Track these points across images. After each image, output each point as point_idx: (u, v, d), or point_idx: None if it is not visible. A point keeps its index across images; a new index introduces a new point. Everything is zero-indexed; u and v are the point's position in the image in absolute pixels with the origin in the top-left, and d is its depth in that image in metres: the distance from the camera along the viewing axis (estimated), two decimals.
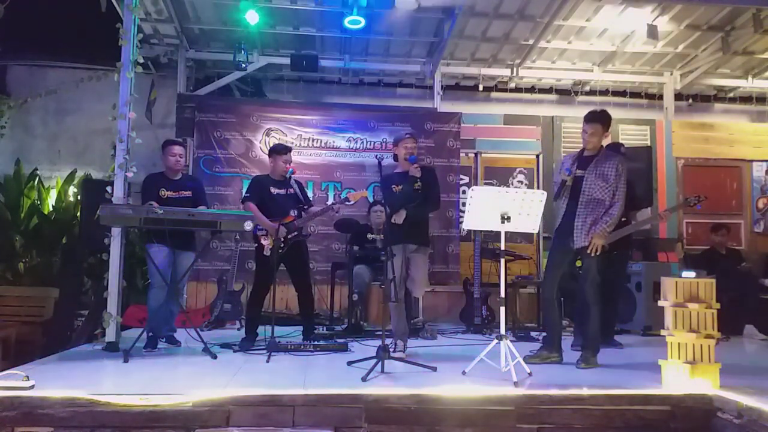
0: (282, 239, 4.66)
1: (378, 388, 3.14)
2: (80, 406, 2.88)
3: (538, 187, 7.56)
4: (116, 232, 4.52)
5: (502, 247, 3.86)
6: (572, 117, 7.82)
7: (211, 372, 3.76)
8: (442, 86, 7.87)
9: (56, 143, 7.84)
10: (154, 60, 7.64)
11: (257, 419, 2.93)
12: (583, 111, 4.40)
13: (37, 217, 7.07)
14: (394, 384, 3.31)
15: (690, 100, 8.70)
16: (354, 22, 6.43)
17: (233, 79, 7.66)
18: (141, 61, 4.83)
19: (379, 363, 3.62)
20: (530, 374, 3.56)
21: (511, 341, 3.74)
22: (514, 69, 7.91)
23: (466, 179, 7.70)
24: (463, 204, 6.49)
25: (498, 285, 3.88)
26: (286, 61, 7.36)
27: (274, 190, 4.93)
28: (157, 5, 6.64)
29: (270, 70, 7.90)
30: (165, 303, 4.57)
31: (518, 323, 6.10)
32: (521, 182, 7.80)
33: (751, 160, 8.15)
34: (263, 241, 4.77)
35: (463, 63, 7.94)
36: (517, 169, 7.85)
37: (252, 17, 6.31)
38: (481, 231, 6.04)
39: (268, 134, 7.29)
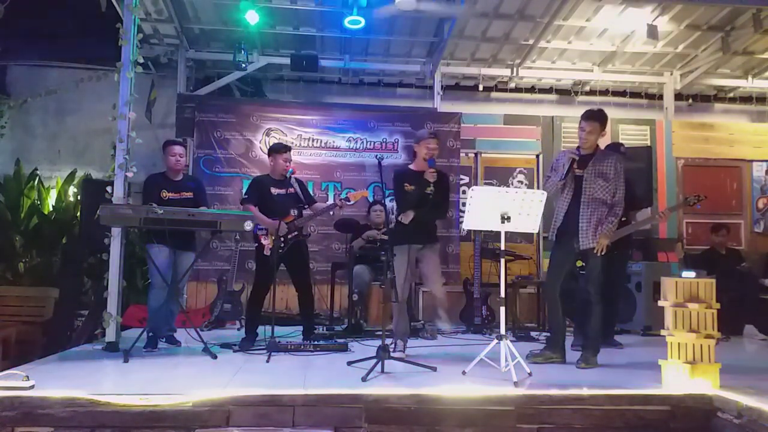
0: (282, 238, 4.65)
1: (378, 388, 3.14)
2: (80, 406, 2.87)
3: (538, 187, 7.56)
4: (116, 232, 4.52)
5: (502, 247, 3.85)
6: (572, 117, 7.78)
7: (211, 372, 3.76)
8: (442, 86, 7.87)
9: (56, 143, 7.84)
10: (154, 60, 7.64)
11: (257, 419, 2.92)
12: (583, 111, 4.40)
13: (37, 217, 7.07)
14: (394, 384, 3.31)
15: (690, 100, 8.71)
16: (354, 22, 6.43)
17: (233, 79, 7.67)
18: (141, 61, 4.82)
19: (379, 363, 3.62)
20: (530, 374, 3.56)
21: (511, 341, 3.74)
22: (514, 69, 7.91)
23: (466, 179, 7.70)
24: (463, 204, 6.50)
25: (498, 285, 3.88)
26: (286, 61, 7.37)
27: (274, 191, 4.91)
28: (157, 5, 6.64)
29: (270, 70, 7.91)
30: (165, 303, 4.57)
31: (518, 323, 6.10)
32: (521, 182, 7.80)
33: (751, 160, 8.16)
34: (263, 241, 4.76)
35: (463, 63, 7.95)
36: (517, 169, 7.85)
37: (252, 17, 6.31)
38: (481, 231, 6.04)
39: (268, 134, 7.29)
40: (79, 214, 6.27)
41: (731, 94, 8.72)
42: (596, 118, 4.15)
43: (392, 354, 3.93)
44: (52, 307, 5.83)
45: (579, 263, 4.28)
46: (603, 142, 4.47)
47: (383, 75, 8.27)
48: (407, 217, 4.33)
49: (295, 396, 3.00)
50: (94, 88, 7.33)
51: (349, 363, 3.92)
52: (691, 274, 3.50)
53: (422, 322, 5.92)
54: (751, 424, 2.86)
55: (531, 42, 7.34)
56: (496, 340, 3.66)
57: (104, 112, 5.25)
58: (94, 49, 7.20)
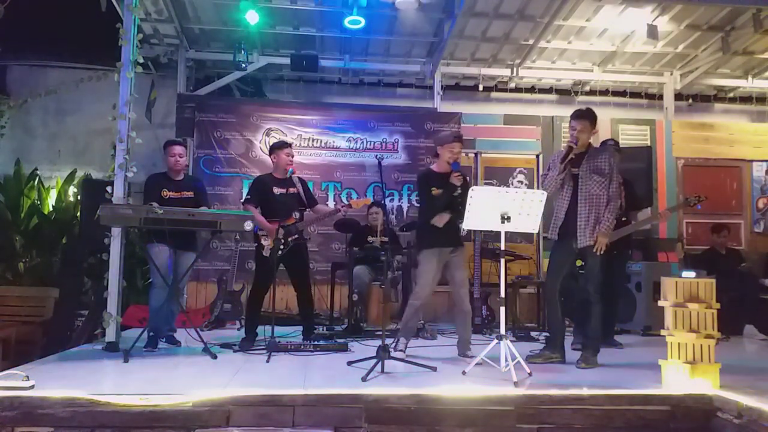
0: (282, 240, 4.65)
1: (378, 388, 3.14)
2: (80, 406, 2.87)
3: (538, 187, 7.55)
4: (116, 232, 4.52)
5: (502, 247, 3.85)
6: None
7: (211, 372, 3.76)
8: (442, 86, 7.87)
9: (56, 143, 7.84)
10: (154, 60, 7.65)
11: (257, 419, 2.92)
12: None
13: (37, 217, 7.07)
14: (394, 384, 3.31)
15: (690, 100, 8.71)
16: (354, 22, 6.43)
17: (233, 79, 7.67)
18: (141, 61, 4.82)
19: (379, 363, 3.62)
20: (530, 374, 3.56)
21: (511, 341, 3.74)
22: (514, 69, 7.92)
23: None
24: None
25: (498, 285, 3.88)
26: (286, 61, 7.37)
27: (276, 190, 4.88)
28: (157, 5, 6.64)
29: (270, 70, 7.91)
30: (166, 303, 4.57)
31: (518, 323, 6.10)
32: (521, 182, 7.80)
33: (751, 160, 8.16)
34: (263, 242, 4.75)
35: (463, 63, 7.95)
36: (517, 169, 7.85)
37: (252, 17, 6.32)
38: (481, 231, 6.04)
39: (268, 134, 7.29)
40: (79, 214, 6.27)
41: (731, 94, 8.73)
42: (585, 116, 4.18)
43: (393, 353, 3.93)
44: (52, 307, 5.83)
45: (579, 263, 4.28)
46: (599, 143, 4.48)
47: (383, 75, 8.27)
48: (442, 220, 4.25)
49: (295, 396, 3.00)
50: (94, 88, 7.33)
51: (349, 363, 3.91)
52: (691, 274, 3.50)
53: (422, 322, 5.91)
54: (751, 424, 2.86)
55: (531, 42, 7.34)
56: (496, 340, 3.66)
57: (104, 112, 5.26)
58: (94, 49, 7.20)
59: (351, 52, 7.69)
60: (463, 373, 3.61)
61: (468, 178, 4.63)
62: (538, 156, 7.74)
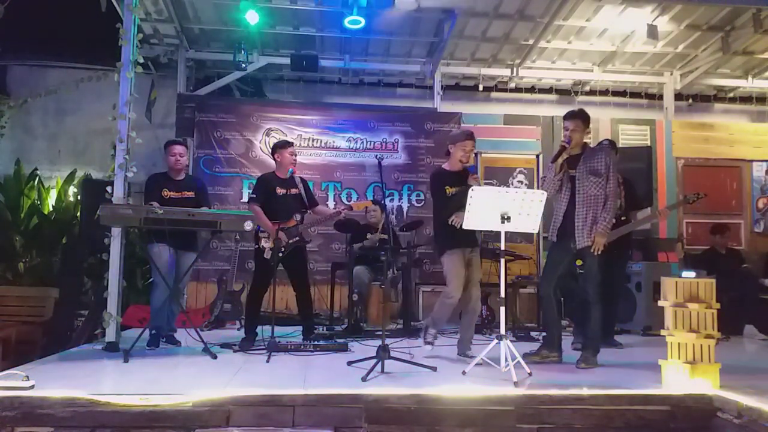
0: (282, 243, 4.65)
1: (378, 388, 3.14)
2: (80, 406, 2.87)
3: (538, 187, 7.55)
4: (116, 232, 4.52)
5: (502, 247, 3.85)
6: None
7: (211, 372, 3.76)
8: (442, 86, 7.88)
9: (56, 143, 7.84)
10: (154, 60, 7.65)
11: (257, 419, 2.92)
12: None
13: (37, 217, 7.07)
14: (394, 384, 3.31)
15: (690, 100, 8.71)
16: (354, 22, 6.43)
17: (233, 79, 7.67)
18: (141, 61, 4.82)
19: (379, 363, 3.62)
20: (530, 374, 3.56)
21: (511, 341, 3.74)
22: (514, 69, 7.92)
23: None
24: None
25: (498, 285, 3.88)
26: (286, 61, 7.37)
27: (279, 191, 4.89)
28: (157, 5, 6.64)
29: (270, 70, 7.91)
30: (167, 302, 4.57)
31: (518, 323, 6.10)
32: (521, 182, 7.80)
33: (751, 160, 8.16)
34: (264, 243, 4.76)
35: (463, 63, 7.95)
36: (517, 169, 7.85)
37: (252, 17, 6.32)
38: (481, 231, 6.03)
39: (268, 134, 7.30)
40: (79, 214, 6.27)
41: (731, 94, 8.73)
42: (577, 116, 4.20)
43: (423, 343, 4.23)
44: (52, 307, 5.83)
45: (579, 262, 4.28)
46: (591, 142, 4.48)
47: (383, 75, 8.27)
48: (460, 219, 4.15)
49: (295, 396, 3.00)
50: (94, 88, 7.34)
51: (349, 363, 3.91)
52: (691, 274, 3.50)
53: (423, 322, 5.91)
54: (751, 424, 2.86)
55: (531, 42, 7.34)
56: (496, 340, 3.66)
57: (104, 112, 5.26)
58: (94, 49, 7.20)
59: (351, 52, 7.69)
60: (463, 373, 3.61)
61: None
62: (538, 156, 7.74)
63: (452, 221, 4.26)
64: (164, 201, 4.62)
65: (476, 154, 7.73)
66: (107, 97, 5.34)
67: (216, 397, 2.95)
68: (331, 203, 7.18)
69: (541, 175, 7.56)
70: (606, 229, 4.05)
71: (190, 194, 4.84)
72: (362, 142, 7.45)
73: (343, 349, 4.56)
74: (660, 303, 3.52)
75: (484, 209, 3.75)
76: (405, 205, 7.47)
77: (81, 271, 5.80)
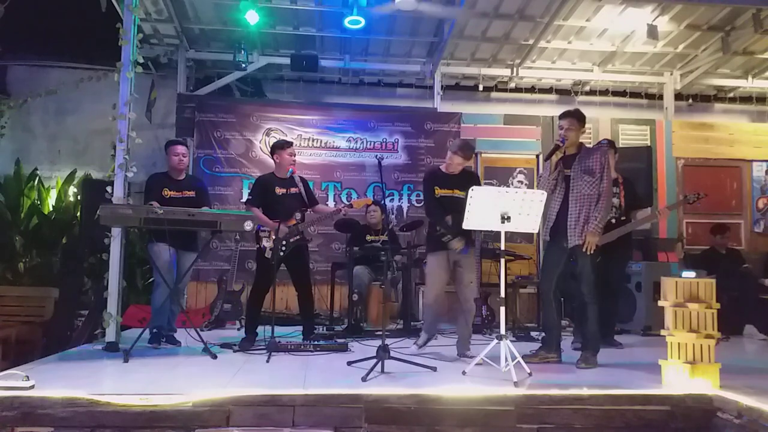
0: (283, 241, 4.65)
1: (378, 388, 3.14)
2: (80, 406, 2.87)
3: (538, 187, 7.56)
4: (116, 232, 4.52)
5: (502, 247, 3.85)
6: None
7: (211, 372, 3.76)
8: (442, 86, 7.88)
9: (56, 143, 7.84)
10: (154, 60, 7.65)
11: (257, 419, 2.92)
12: (584, 111, 4.42)
13: (37, 217, 7.07)
14: (394, 384, 3.31)
15: (690, 100, 8.71)
16: (354, 22, 6.43)
17: (233, 79, 7.68)
18: (141, 61, 4.82)
19: (379, 363, 3.62)
20: (530, 374, 3.55)
21: (511, 341, 3.74)
22: (514, 69, 7.92)
23: None
24: None
25: (498, 285, 3.88)
26: (286, 61, 7.37)
27: (279, 190, 4.87)
28: (157, 5, 6.65)
29: (270, 70, 7.91)
30: (167, 302, 4.57)
31: (518, 323, 6.10)
32: (521, 182, 7.80)
33: (751, 160, 8.16)
34: (265, 243, 4.76)
35: (463, 63, 7.95)
36: (517, 169, 7.85)
37: (252, 17, 6.32)
38: (481, 231, 6.04)
39: (268, 134, 7.30)
40: (79, 214, 6.27)
41: (731, 94, 8.73)
42: (572, 115, 4.22)
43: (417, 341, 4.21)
44: (52, 307, 5.83)
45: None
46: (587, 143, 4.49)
47: (383, 75, 8.27)
48: (458, 245, 4.25)
49: (295, 396, 3.00)
50: (94, 88, 7.35)
51: (349, 363, 3.91)
52: (691, 274, 3.50)
53: (423, 322, 5.91)
54: (751, 424, 2.86)
55: (531, 42, 7.34)
56: (496, 340, 3.66)
57: (104, 112, 5.26)
58: (94, 49, 7.20)
59: (351, 52, 7.69)
60: (463, 373, 3.61)
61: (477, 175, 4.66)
62: (538, 156, 7.74)
63: (446, 239, 4.28)
64: (165, 200, 4.62)
65: (476, 154, 7.76)
66: (107, 97, 5.34)
67: (216, 397, 2.95)
68: (331, 203, 7.18)
69: (539, 174, 7.57)
70: (597, 228, 4.03)
71: (191, 194, 4.85)
72: (362, 142, 7.45)
73: (343, 349, 4.56)
74: (660, 303, 3.52)
75: (484, 209, 3.75)
76: (405, 205, 7.48)
77: (81, 271, 5.80)
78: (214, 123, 7.20)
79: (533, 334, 5.55)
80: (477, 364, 3.69)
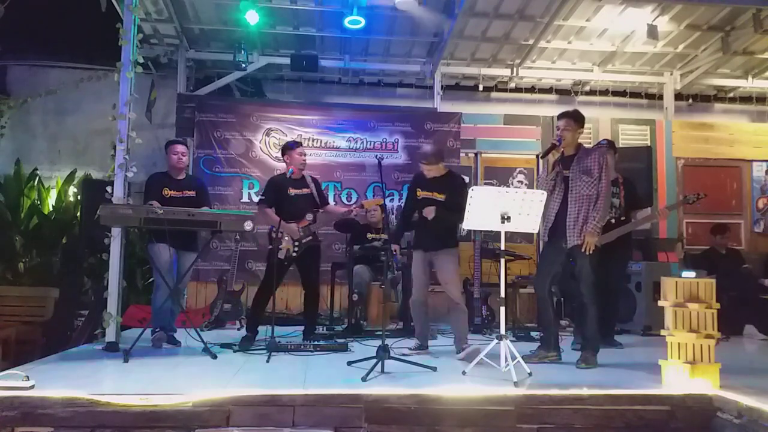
0: (296, 242, 4.75)
1: (378, 388, 3.14)
2: (80, 406, 2.87)
3: (537, 188, 7.56)
4: (116, 232, 4.52)
5: (502, 247, 3.85)
6: None
7: (211, 372, 3.76)
8: (442, 86, 7.88)
9: (56, 143, 7.84)
10: (154, 60, 7.65)
11: (257, 419, 2.92)
12: (584, 111, 4.43)
13: (37, 217, 7.07)
14: (394, 384, 3.31)
15: (690, 100, 8.71)
16: (354, 22, 6.43)
17: (233, 79, 7.67)
18: (141, 61, 4.82)
19: (379, 363, 3.62)
20: (530, 374, 3.55)
21: (511, 341, 3.74)
22: (514, 69, 7.91)
23: (466, 179, 7.64)
24: None
25: (498, 285, 3.88)
26: (286, 61, 7.37)
27: (292, 191, 4.92)
28: (157, 5, 6.64)
29: (270, 70, 7.91)
30: (168, 301, 4.57)
31: (518, 323, 6.10)
32: (521, 182, 7.81)
33: (751, 160, 8.16)
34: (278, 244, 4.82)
35: (463, 63, 7.95)
36: (517, 169, 7.85)
37: (252, 17, 6.31)
38: (481, 231, 6.04)
39: (268, 134, 7.30)
40: (79, 214, 6.27)
41: (731, 94, 8.72)
42: (569, 115, 4.24)
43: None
44: (52, 307, 5.84)
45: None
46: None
47: (383, 75, 8.27)
48: (430, 213, 4.33)
49: (295, 396, 3.00)
50: (94, 88, 7.35)
51: (349, 363, 3.91)
52: (691, 274, 3.50)
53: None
54: (751, 424, 2.86)
55: (531, 42, 7.34)
56: (496, 340, 3.66)
57: (104, 112, 5.26)
58: (94, 49, 7.20)
59: (351, 52, 7.69)
60: (463, 373, 3.61)
61: (463, 177, 4.73)
62: (538, 156, 7.73)
63: (425, 213, 4.36)
64: (165, 200, 4.62)
65: (476, 154, 7.77)
66: (107, 97, 5.34)
67: (216, 397, 2.95)
68: (331, 203, 7.17)
69: (539, 174, 7.58)
70: (596, 229, 4.03)
71: (191, 193, 4.85)
72: (362, 142, 7.45)
73: (343, 349, 4.56)
74: (660, 303, 3.52)
75: (484, 209, 3.75)
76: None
77: (81, 271, 5.80)
78: (214, 123, 7.20)
79: (533, 334, 5.55)
80: (477, 364, 3.69)
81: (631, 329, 6.08)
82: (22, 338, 5.42)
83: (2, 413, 2.84)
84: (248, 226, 4.36)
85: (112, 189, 4.57)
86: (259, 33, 6.89)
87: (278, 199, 4.88)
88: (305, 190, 4.98)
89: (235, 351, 4.56)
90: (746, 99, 8.70)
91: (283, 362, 4.07)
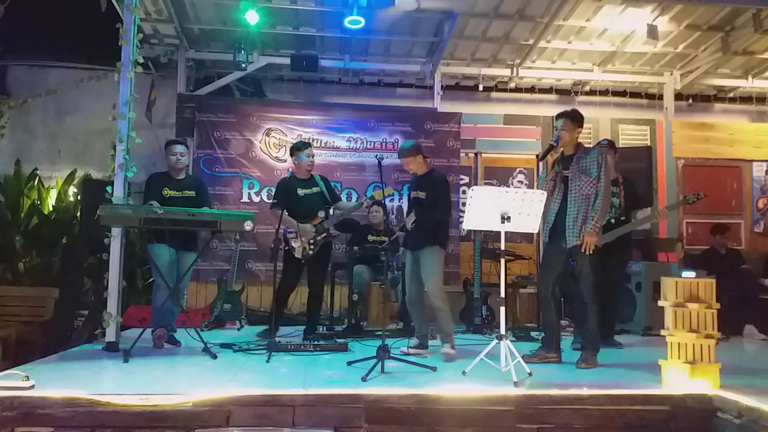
0: (311, 241, 4.88)
1: (378, 388, 3.14)
2: (80, 406, 2.87)
3: (538, 187, 7.56)
4: (116, 232, 4.52)
5: (502, 247, 3.85)
6: None
7: (211, 372, 3.76)
8: (442, 86, 7.87)
9: (56, 143, 7.84)
10: (154, 60, 7.64)
11: (257, 419, 2.92)
12: (584, 111, 4.43)
13: (37, 217, 7.07)
14: (394, 384, 3.31)
15: (690, 100, 8.70)
16: (354, 22, 6.43)
17: (233, 79, 7.67)
18: (141, 61, 4.82)
19: (379, 363, 3.62)
20: (530, 374, 3.56)
21: (511, 341, 3.74)
22: (514, 69, 7.91)
23: (466, 179, 7.71)
24: (463, 204, 6.49)
25: (498, 285, 3.88)
26: (286, 61, 7.37)
27: (301, 191, 5.05)
28: (157, 5, 6.64)
29: (270, 70, 7.91)
30: (168, 302, 4.57)
31: (518, 323, 6.10)
32: (521, 182, 7.81)
33: (751, 160, 8.16)
34: (294, 243, 4.92)
35: (463, 63, 7.94)
36: (517, 169, 7.85)
37: (252, 17, 6.31)
38: (481, 231, 6.04)
39: (268, 134, 7.29)
40: (79, 214, 6.27)
41: (731, 94, 8.72)
42: (567, 115, 4.25)
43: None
44: (52, 307, 5.83)
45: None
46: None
47: (383, 75, 8.27)
48: (409, 222, 4.49)
49: (295, 396, 3.00)
50: (94, 88, 7.34)
51: (349, 363, 3.92)
52: (691, 274, 3.50)
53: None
54: (751, 424, 2.86)
55: (531, 42, 7.34)
56: (496, 340, 3.66)
57: (104, 112, 5.25)
58: (94, 49, 7.20)
59: (351, 52, 7.69)
60: (463, 373, 3.62)
61: (450, 176, 4.87)
62: (538, 156, 7.73)
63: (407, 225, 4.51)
64: (165, 200, 4.62)
65: (476, 154, 7.78)
66: (107, 97, 5.33)
67: (216, 397, 2.95)
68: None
69: (539, 174, 7.58)
70: (596, 229, 4.04)
71: (191, 193, 4.85)
72: (362, 142, 7.45)
73: (343, 349, 4.56)
74: (660, 303, 3.53)
75: (484, 209, 3.75)
76: (405, 205, 7.43)
77: (81, 271, 5.80)
78: (214, 123, 7.20)
79: (533, 334, 5.56)
80: (477, 364, 3.69)
81: (631, 329, 6.09)
82: (22, 338, 5.41)
83: (2, 413, 2.84)
84: (248, 226, 4.37)
85: (112, 189, 4.57)
86: (259, 33, 6.89)
87: (289, 200, 4.98)
88: (315, 189, 5.10)
89: (235, 351, 4.56)
90: (746, 99, 8.69)
91: (283, 362, 4.08)
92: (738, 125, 8.43)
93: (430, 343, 4.63)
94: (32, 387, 2.98)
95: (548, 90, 8.57)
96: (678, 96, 8.34)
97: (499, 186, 6.67)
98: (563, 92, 8.56)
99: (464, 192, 7.40)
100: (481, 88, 8.22)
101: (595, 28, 7.07)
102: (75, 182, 7.37)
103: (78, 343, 5.00)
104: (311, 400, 3.00)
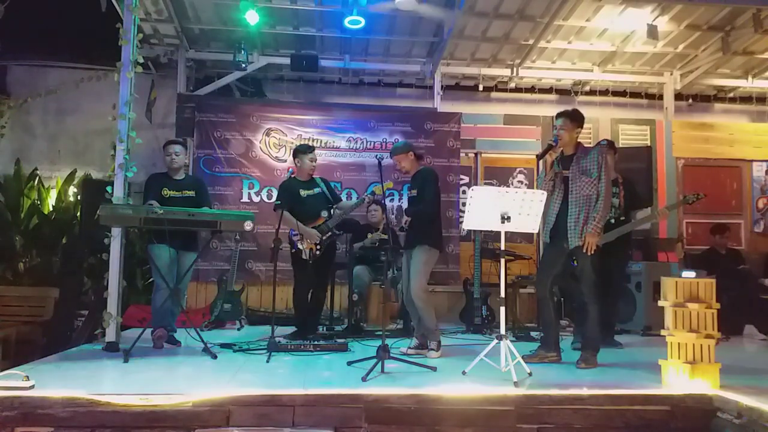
0: (317, 241, 4.93)
1: (378, 388, 3.14)
2: (80, 406, 2.87)
3: (537, 187, 7.56)
4: (116, 232, 4.52)
5: (502, 247, 3.85)
6: None
7: (211, 372, 3.76)
8: (442, 86, 7.87)
9: (56, 143, 7.84)
10: (154, 60, 7.64)
11: (257, 419, 2.92)
12: (584, 111, 4.43)
13: (37, 217, 7.07)
14: (394, 384, 3.31)
15: (690, 100, 8.70)
16: (354, 22, 6.43)
17: (233, 79, 7.67)
18: (141, 61, 4.82)
19: (379, 363, 3.62)
20: (530, 374, 3.56)
21: (511, 341, 3.74)
22: (514, 69, 7.91)
23: (466, 179, 7.71)
24: (463, 204, 6.49)
25: (498, 285, 3.88)
26: (286, 61, 7.37)
27: (303, 193, 5.09)
28: (157, 5, 6.64)
29: (270, 70, 7.91)
30: (168, 302, 4.57)
31: (518, 323, 6.09)
32: (521, 182, 7.81)
33: (751, 160, 8.16)
34: (300, 245, 4.96)
35: (463, 63, 7.94)
36: (517, 169, 7.85)
37: (252, 17, 6.31)
38: (481, 231, 6.04)
39: (268, 134, 7.29)
40: (79, 214, 6.27)
41: (731, 94, 8.72)
42: (566, 115, 4.24)
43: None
44: (52, 307, 5.83)
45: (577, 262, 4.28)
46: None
47: (383, 75, 8.27)
48: (403, 221, 4.67)
49: (295, 396, 3.00)
50: (94, 88, 7.34)
51: (349, 363, 3.92)
52: (691, 274, 3.50)
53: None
54: (751, 424, 2.86)
55: (531, 42, 7.34)
56: (496, 340, 3.66)
57: (104, 112, 5.25)
58: (94, 49, 7.20)
59: (351, 52, 7.69)
60: (463, 373, 3.62)
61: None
62: (538, 156, 7.72)
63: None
64: (164, 200, 4.62)
65: (476, 154, 7.78)
66: (107, 97, 5.33)
67: (216, 397, 2.95)
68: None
69: (539, 174, 7.57)
70: (597, 229, 4.03)
71: (191, 193, 4.85)
72: (362, 142, 7.45)
73: (343, 349, 4.56)
74: (660, 303, 3.53)
75: (484, 209, 3.75)
76: (405, 205, 7.45)
77: (81, 271, 5.80)
78: (214, 123, 7.20)
79: (533, 334, 5.55)
80: (477, 364, 3.69)
81: (631, 329, 6.08)
82: (22, 338, 5.41)
83: (2, 413, 2.84)
84: (248, 226, 4.37)
85: (112, 189, 4.57)
86: (259, 33, 6.89)
87: (292, 201, 5.02)
88: (316, 190, 5.16)
89: (235, 351, 4.56)
90: (746, 99, 8.69)
91: (283, 362, 4.08)
92: (738, 125, 8.44)
93: None
94: (32, 387, 2.98)
95: (548, 90, 8.57)
96: (678, 96, 8.34)
97: (499, 186, 6.69)
98: (563, 92, 8.56)
99: (464, 192, 7.39)
100: (481, 88, 8.22)
101: (595, 28, 7.07)
102: (75, 182, 7.37)
103: (78, 343, 5.01)
104: (311, 400, 3.00)
